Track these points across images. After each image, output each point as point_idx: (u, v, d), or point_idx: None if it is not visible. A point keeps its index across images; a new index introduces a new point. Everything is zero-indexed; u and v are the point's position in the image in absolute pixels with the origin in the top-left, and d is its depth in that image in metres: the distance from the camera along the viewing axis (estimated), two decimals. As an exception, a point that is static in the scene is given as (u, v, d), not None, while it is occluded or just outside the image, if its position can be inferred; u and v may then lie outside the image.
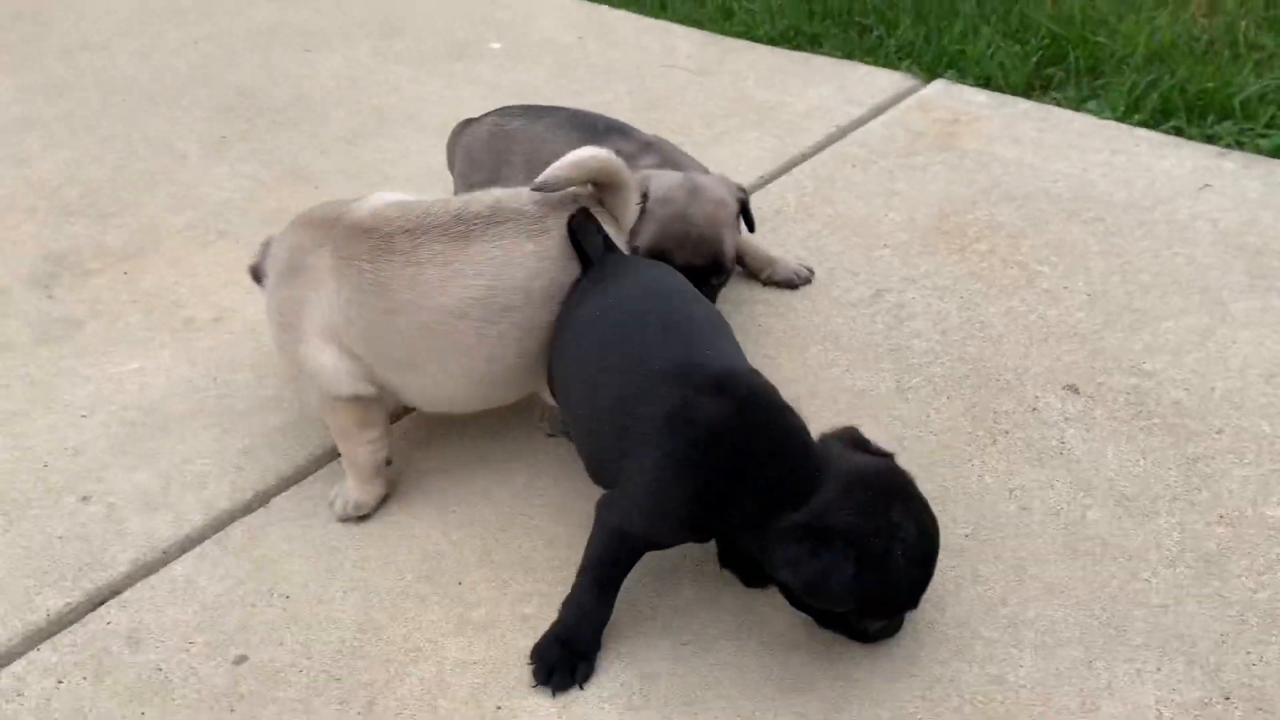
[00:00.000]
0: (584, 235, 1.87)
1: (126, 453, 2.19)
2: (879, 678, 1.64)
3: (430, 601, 1.83)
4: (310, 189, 3.06)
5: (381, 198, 2.06)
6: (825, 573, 1.49)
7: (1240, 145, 2.80)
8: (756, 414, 1.56)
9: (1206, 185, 2.66)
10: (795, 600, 1.63)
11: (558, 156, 2.40)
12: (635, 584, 1.77)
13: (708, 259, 2.19)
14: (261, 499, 2.07)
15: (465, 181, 2.52)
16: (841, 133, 3.06)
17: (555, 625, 1.70)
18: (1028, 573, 1.78)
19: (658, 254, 2.17)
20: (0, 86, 3.83)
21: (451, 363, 1.92)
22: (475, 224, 1.91)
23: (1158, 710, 1.57)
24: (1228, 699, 1.57)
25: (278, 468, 2.13)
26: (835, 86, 3.28)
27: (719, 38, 3.70)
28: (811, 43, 3.58)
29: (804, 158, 2.96)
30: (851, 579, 1.48)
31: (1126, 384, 2.12)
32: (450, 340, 1.89)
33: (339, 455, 2.14)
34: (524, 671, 1.70)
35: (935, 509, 1.83)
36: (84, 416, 2.30)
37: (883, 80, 3.29)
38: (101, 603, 1.89)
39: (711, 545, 1.82)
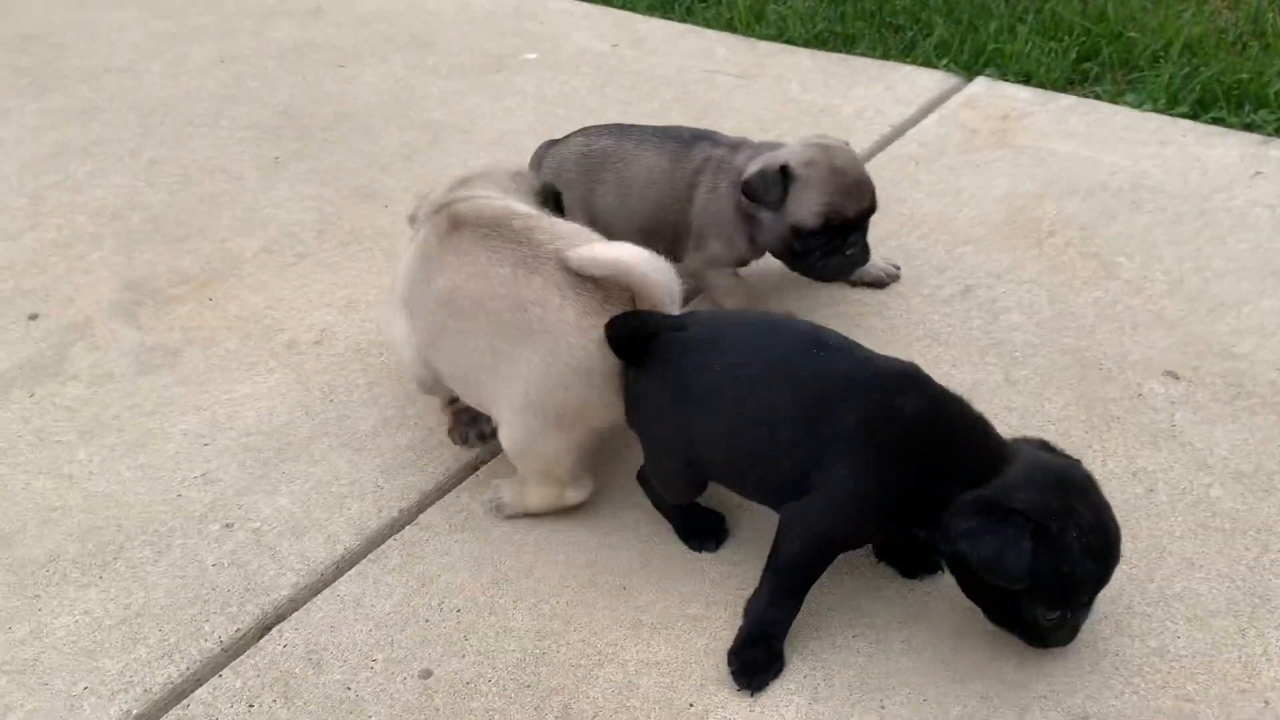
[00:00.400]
0: (642, 321, 1.85)
1: (260, 478, 2.23)
2: (1049, 657, 1.74)
3: (599, 607, 1.90)
4: (380, 207, 3.10)
5: (500, 199, 2.14)
6: (1003, 546, 1.56)
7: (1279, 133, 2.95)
8: (948, 406, 1.66)
9: (1258, 173, 2.80)
10: (969, 587, 1.72)
11: (648, 170, 2.48)
12: (803, 580, 1.86)
13: (871, 200, 2.34)
14: (409, 516, 2.12)
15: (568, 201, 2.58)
16: (896, 132, 3.16)
17: (747, 627, 1.78)
18: (1167, 550, 1.90)
19: (832, 213, 2.27)
20: (27, 111, 3.81)
21: (443, 349, 2.04)
22: (495, 230, 1.98)
23: (1314, 672, 1.69)
24: (1375, 657, 1.70)
25: (419, 484, 2.18)
26: (881, 87, 3.38)
27: (753, 41, 3.79)
28: (846, 44, 3.67)
29: (866, 158, 3.05)
30: (1028, 554, 1.55)
31: (1221, 367, 2.24)
32: (438, 326, 2.02)
33: (478, 467, 2.21)
34: (708, 669, 1.78)
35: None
36: (205, 444, 2.34)
37: (925, 80, 3.40)
38: (270, 627, 1.94)
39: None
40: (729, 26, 3.90)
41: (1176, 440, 2.10)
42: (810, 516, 1.71)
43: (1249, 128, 2.99)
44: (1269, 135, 2.95)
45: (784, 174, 2.28)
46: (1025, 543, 1.56)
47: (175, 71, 4.05)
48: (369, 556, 2.05)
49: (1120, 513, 1.94)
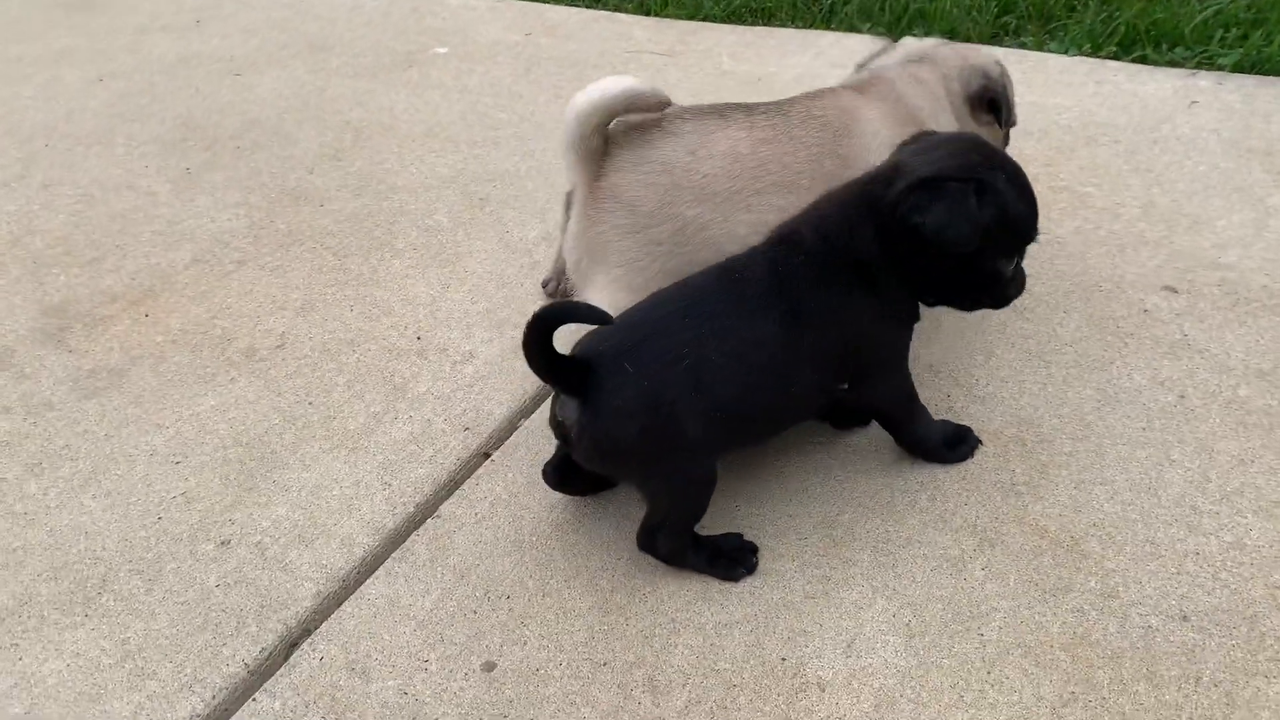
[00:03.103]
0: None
1: (249, 490, 2.03)
2: (1112, 550, 1.71)
3: (659, 574, 1.79)
4: (316, 207, 2.91)
5: None
6: (950, 208, 1.62)
7: (1201, 67, 3.05)
8: (816, 207, 1.78)
9: (1194, 102, 2.89)
10: (934, 287, 1.77)
11: None
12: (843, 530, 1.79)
13: None
14: (428, 510, 1.96)
15: None
16: (838, 94, 3.14)
17: (937, 451, 1.91)
18: (1215, 450, 1.90)
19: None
20: (-117, 148, 3.45)
21: None
22: None
23: (1386, 545, 1.71)
24: None
25: (431, 476, 2.02)
26: (811, 54, 3.38)
27: (670, 21, 3.74)
28: (763, 18, 3.66)
29: (815, 120, 3.02)
30: (975, 209, 1.62)
31: (1214, 278, 2.28)
32: None
33: (489, 454, 2.06)
34: (791, 622, 1.68)
35: (1103, 411, 1.95)
36: (177, 463, 2.12)
37: (853, 43, 3.41)
38: (297, 642, 1.75)
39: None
40: (642, 9, 3.84)
41: (1192, 349, 2.11)
42: (890, 379, 1.81)
43: (1172, 64, 3.10)
44: (1193, 69, 3.05)
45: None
46: (970, 199, 1.62)
47: (50, 94, 3.74)
48: (393, 555, 1.88)
49: (1158, 421, 1.95)
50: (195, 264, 2.72)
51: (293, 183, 3.04)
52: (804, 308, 1.69)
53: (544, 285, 2.48)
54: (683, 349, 1.63)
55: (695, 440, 1.66)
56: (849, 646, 1.64)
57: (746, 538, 1.81)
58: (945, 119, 2.03)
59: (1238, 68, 3.00)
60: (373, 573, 1.85)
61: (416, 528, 1.92)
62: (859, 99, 2.00)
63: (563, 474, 1.87)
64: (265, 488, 2.04)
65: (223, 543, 1.93)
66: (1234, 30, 3.10)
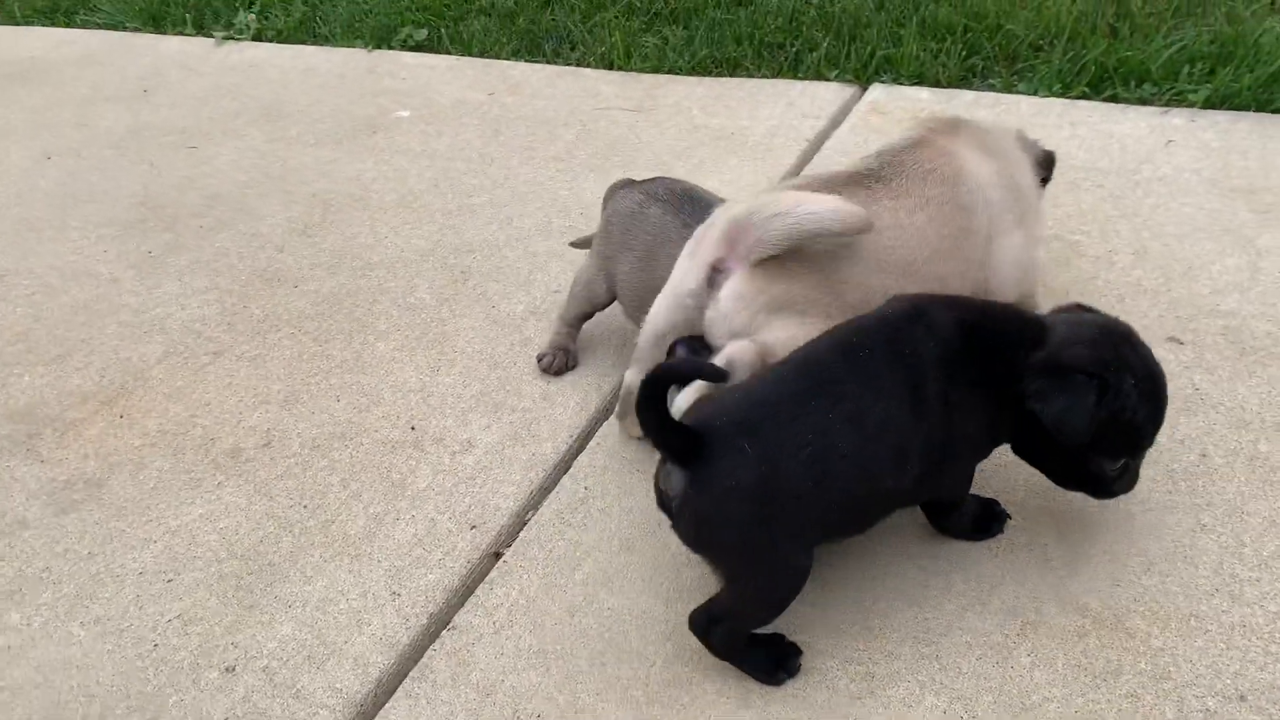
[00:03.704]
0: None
1: (250, 608, 1.93)
2: (1158, 627, 1.68)
3: (694, 681, 1.71)
4: (289, 288, 2.81)
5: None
6: (1070, 402, 1.61)
7: (1171, 104, 3.07)
8: (973, 305, 1.75)
9: (1171, 141, 2.90)
10: (1030, 451, 1.78)
11: (673, 257, 2.03)
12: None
13: None
14: (441, 621, 1.87)
15: (600, 253, 2.33)
16: (815, 145, 3.12)
17: (973, 528, 1.87)
18: (1245, 511, 1.87)
19: None
20: None
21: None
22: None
23: None
24: None
25: (442, 583, 1.93)
26: (783, 104, 3.35)
27: (636, 75, 3.69)
28: (729, 68, 3.63)
29: (795, 173, 2.99)
30: (1093, 406, 1.61)
31: (1216, 326, 2.27)
32: None
33: (500, 554, 1.98)
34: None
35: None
36: (169, 580, 2.01)
37: (823, 92, 3.39)
38: (317, 778, 1.65)
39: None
40: (606, 63, 3.78)
41: (1206, 403, 2.09)
42: (965, 469, 1.78)
43: (1142, 101, 3.11)
44: (1164, 106, 3.06)
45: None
46: (1090, 396, 1.61)
47: (-6, 174, 3.60)
48: (410, 674, 1.79)
49: (1183, 483, 1.92)
50: (168, 357, 2.61)
51: (263, 262, 2.94)
52: (929, 394, 1.63)
53: (539, 360, 2.41)
54: (807, 435, 1.55)
55: (805, 534, 1.60)
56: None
57: (778, 631, 1.75)
58: (1021, 174, 2.10)
59: (1208, 104, 3.02)
60: (391, 694, 1.76)
61: (432, 641, 1.83)
62: (955, 142, 2.01)
63: None
64: (266, 604, 1.93)
65: (227, 669, 1.83)
66: (1200, 65, 3.12)
